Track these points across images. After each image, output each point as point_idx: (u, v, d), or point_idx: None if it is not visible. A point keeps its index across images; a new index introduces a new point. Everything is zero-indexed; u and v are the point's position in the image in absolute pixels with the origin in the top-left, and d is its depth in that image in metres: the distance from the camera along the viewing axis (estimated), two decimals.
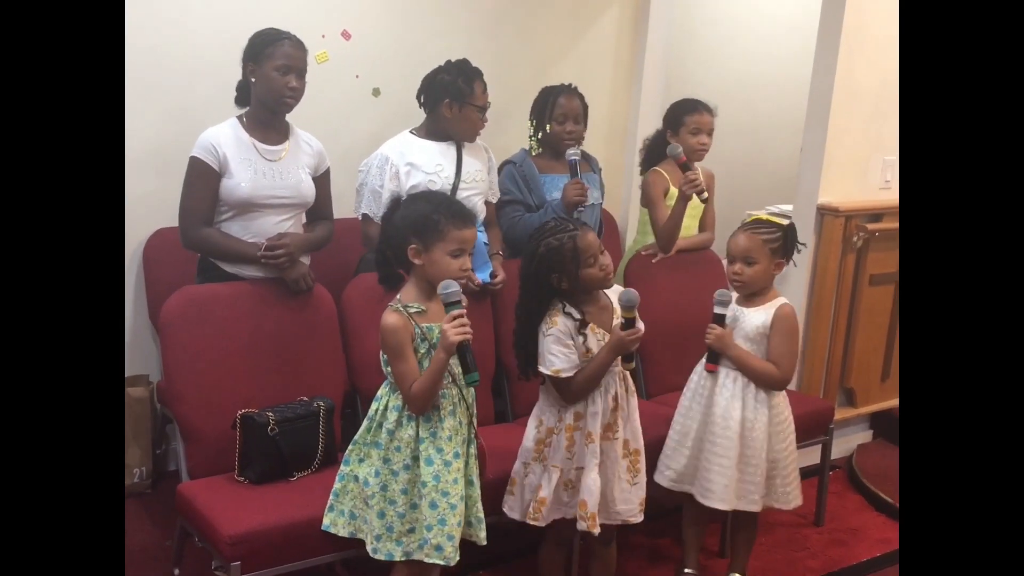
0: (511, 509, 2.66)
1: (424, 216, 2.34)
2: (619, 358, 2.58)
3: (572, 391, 2.55)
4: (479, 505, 2.46)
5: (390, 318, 2.33)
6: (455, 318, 2.26)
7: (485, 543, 2.47)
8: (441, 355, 2.29)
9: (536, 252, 2.55)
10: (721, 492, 2.82)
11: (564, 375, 2.52)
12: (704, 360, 2.90)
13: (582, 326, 2.55)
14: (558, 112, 3.43)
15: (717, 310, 2.85)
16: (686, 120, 3.58)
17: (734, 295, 2.90)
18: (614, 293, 2.65)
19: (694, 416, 2.89)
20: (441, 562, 2.34)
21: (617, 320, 2.57)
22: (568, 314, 2.55)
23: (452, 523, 2.34)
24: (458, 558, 2.36)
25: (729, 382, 2.84)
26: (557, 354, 2.53)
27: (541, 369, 2.55)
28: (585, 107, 3.49)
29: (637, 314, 2.55)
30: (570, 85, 3.50)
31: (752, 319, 2.85)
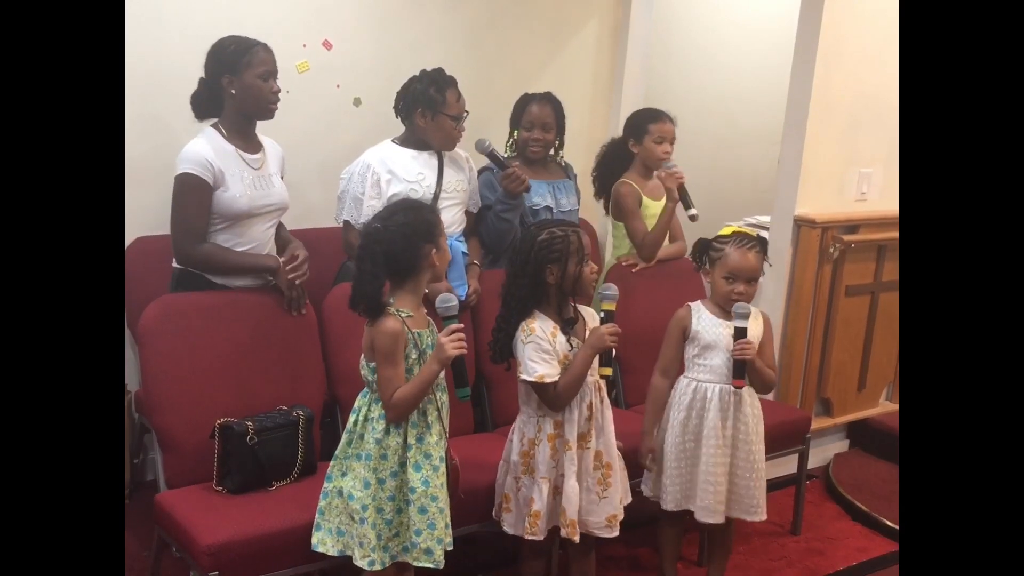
0: (510, 526, 2.66)
1: (424, 221, 2.40)
2: (597, 365, 2.60)
3: (557, 397, 2.56)
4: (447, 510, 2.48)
5: (390, 323, 2.34)
6: (453, 332, 2.33)
7: (451, 547, 2.47)
8: (434, 367, 2.34)
9: (535, 240, 2.57)
10: (763, 504, 2.86)
11: (548, 380, 2.53)
12: (730, 377, 2.79)
13: (568, 325, 2.59)
14: (526, 119, 3.50)
15: (740, 323, 2.77)
16: (650, 128, 3.60)
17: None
18: (585, 310, 2.71)
19: (724, 444, 2.82)
20: (431, 565, 2.37)
21: (591, 324, 2.63)
22: (548, 318, 2.57)
23: (440, 527, 2.37)
24: (443, 562, 2.38)
25: (717, 397, 2.82)
26: (539, 361, 2.54)
27: (524, 377, 2.56)
28: (559, 115, 3.52)
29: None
30: (547, 93, 3.53)
31: (751, 329, 2.81)
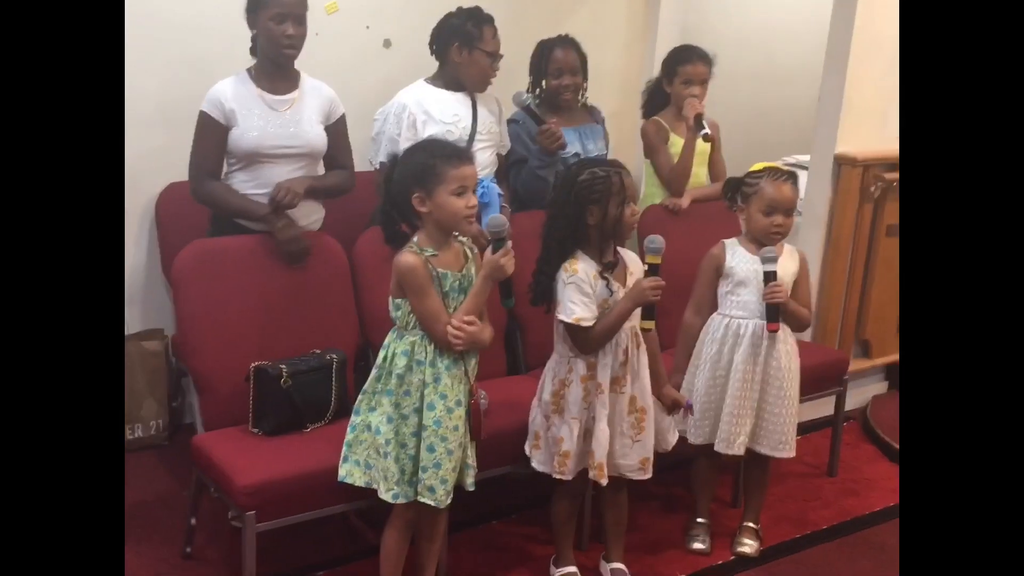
0: (540, 463, 2.67)
1: (420, 164, 2.36)
2: (639, 316, 2.57)
3: (589, 341, 2.55)
4: (470, 451, 2.49)
5: (409, 258, 2.34)
6: (508, 252, 2.35)
7: (473, 488, 2.50)
8: (487, 286, 2.38)
9: (577, 179, 2.53)
10: (792, 442, 2.88)
11: (585, 323, 2.51)
12: (763, 321, 2.80)
13: (607, 269, 2.55)
14: (553, 67, 3.42)
15: (768, 267, 2.78)
16: (679, 70, 3.56)
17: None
18: (626, 253, 2.66)
19: (753, 379, 2.84)
20: (432, 503, 2.39)
21: (633, 277, 2.59)
22: (591, 259, 2.54)
23: (447, 467, 2.38)
24: (449, 502, 2.41)
25: (750, 333, 2.84)
26: (578, 303, 2.52)
27: (561, 317, 2.54)
28: (583, 58, 3.46)
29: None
30: (566, 36, 3.46)
31: (785, 268, 2.86)
